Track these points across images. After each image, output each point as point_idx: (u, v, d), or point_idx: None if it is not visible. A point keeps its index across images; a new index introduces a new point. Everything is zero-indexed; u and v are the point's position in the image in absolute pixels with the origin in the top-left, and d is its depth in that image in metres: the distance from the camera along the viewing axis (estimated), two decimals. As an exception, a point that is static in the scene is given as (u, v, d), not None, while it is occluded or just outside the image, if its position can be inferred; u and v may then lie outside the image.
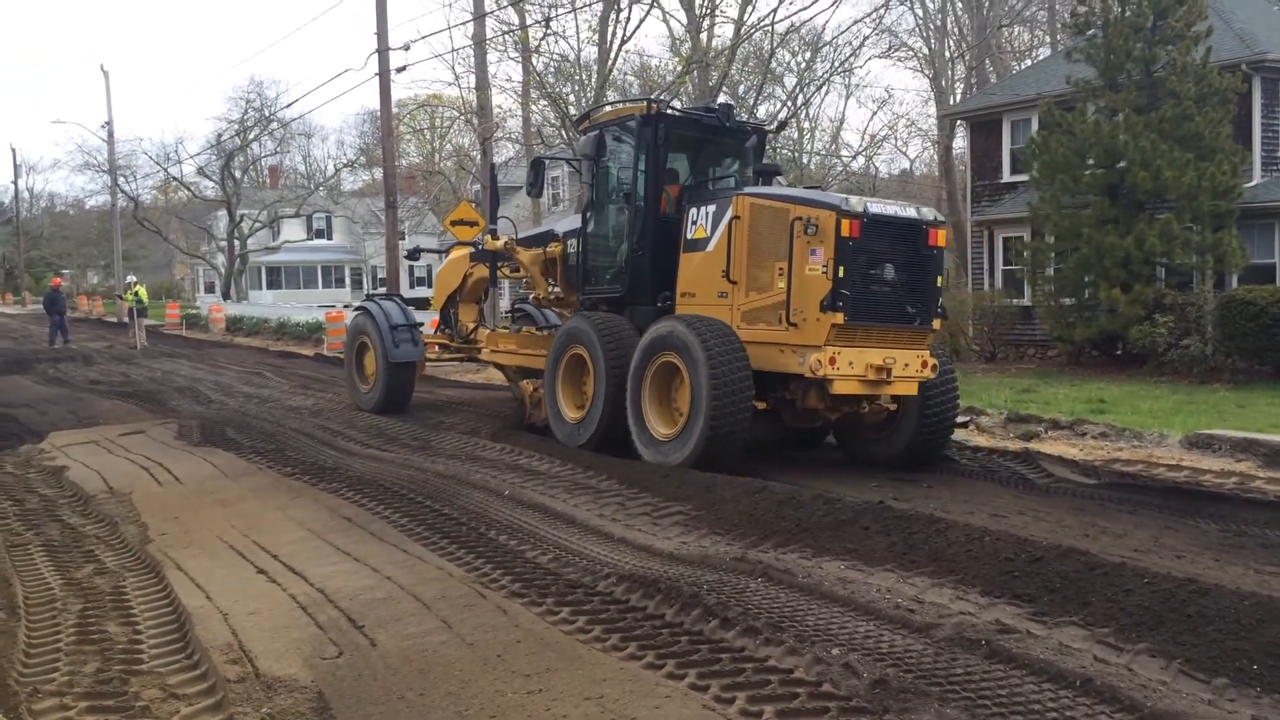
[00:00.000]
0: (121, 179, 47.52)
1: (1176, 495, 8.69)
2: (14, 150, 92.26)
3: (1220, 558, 6.71)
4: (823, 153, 51.62)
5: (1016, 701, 4.26)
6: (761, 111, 34.84)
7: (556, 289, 12.38)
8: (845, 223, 8.90)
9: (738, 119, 11.85)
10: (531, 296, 13.45)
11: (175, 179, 50.57)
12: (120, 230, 48.79)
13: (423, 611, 5.61)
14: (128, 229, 52.08)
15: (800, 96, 34.13)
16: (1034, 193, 20.60)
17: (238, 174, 48.92)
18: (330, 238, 61.20)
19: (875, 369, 9.12)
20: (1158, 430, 11.20)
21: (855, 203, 9.13)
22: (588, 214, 11.61)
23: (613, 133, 11.32)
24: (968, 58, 40.41)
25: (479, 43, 27.32)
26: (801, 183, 45.24)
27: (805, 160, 50.54)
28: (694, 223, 10.34)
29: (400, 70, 24.50)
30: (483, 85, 27.44)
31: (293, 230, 54.63)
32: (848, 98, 61.76)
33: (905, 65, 54.51)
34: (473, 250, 13.73)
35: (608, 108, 12.19)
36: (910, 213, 9.53)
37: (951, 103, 38.38)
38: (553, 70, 30.64)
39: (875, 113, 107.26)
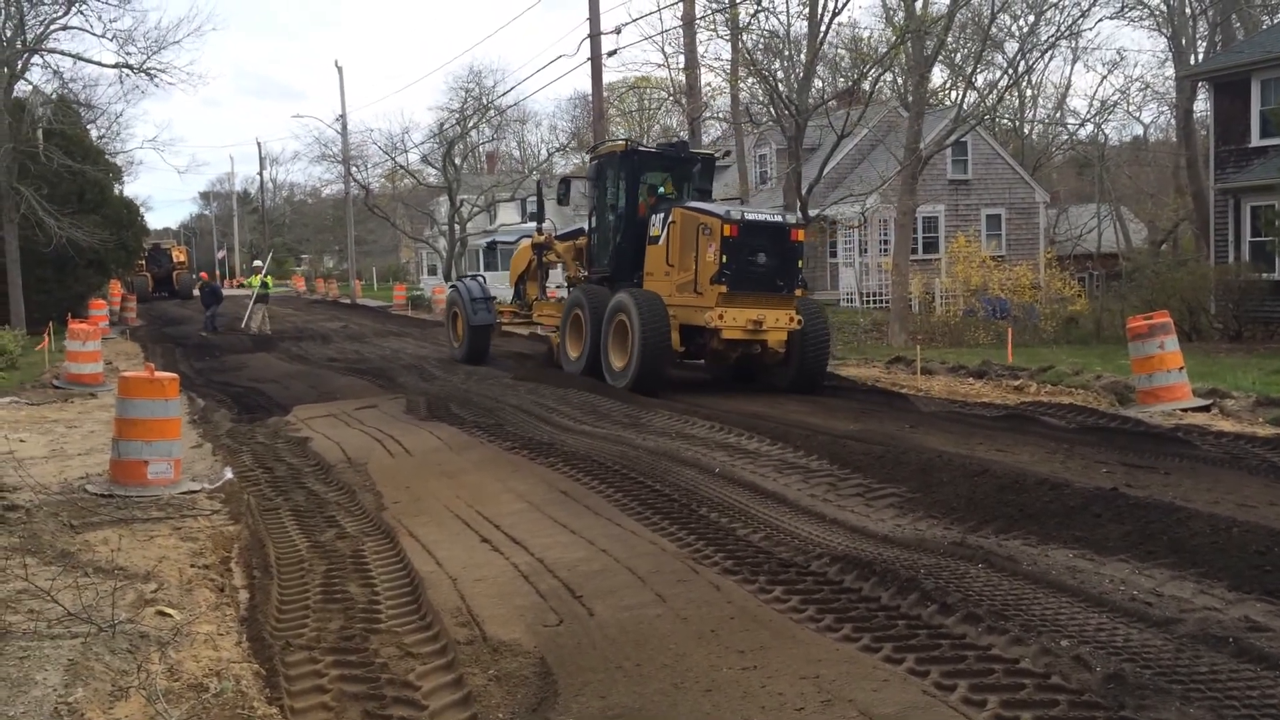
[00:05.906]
0: (354, 168, 50.33)
1: None
2: (259, 144, 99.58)
3: None
4: (1046, 121, 48.98)
5: (1269, 703, 3.95)
6: (980, 80, 33.39)
7: (584, 271, 16.74)
8: (726, 226, 13.21)
9: (691, 151, 16.52)
10: (565, 276, 18.08)
11: (401, 167, 52.98)
12: (353, 217, 51.83)
13: (638, 584, 5.72)
14: (359, 215, 55.24)
15: (1022, 63, 32.42)
16: (1287, 157, 18.92)
17: (458, 161, 50.83)
18: (543, 220, 63.04)
19: (751, 322, 13.36)
20: None
21: (735, 213, 13.53)
22: (592, 218, 16.37)
23: (606, 162, 15.94)
24: (1211, 13, 37.33)
25: (688, 22, 27.39)
26: (1021, 155, 43.20)
27: (1027, 130, 48.14)
28: (654, 225, 14.68)
29: (611, 54, 24.88)
30: (691, 65, 27.50)
31: (508, 214, 56.37)
32: (1074, 62, 58.28)
33: (1140, 24, 50.79)
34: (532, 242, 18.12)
35: (605, 145, 16.62)
36: (777, 218, 14.09)
37: (1193, 62, 35.60)
38: (761, 47, 30.32)
39: (1105, 77, 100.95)
